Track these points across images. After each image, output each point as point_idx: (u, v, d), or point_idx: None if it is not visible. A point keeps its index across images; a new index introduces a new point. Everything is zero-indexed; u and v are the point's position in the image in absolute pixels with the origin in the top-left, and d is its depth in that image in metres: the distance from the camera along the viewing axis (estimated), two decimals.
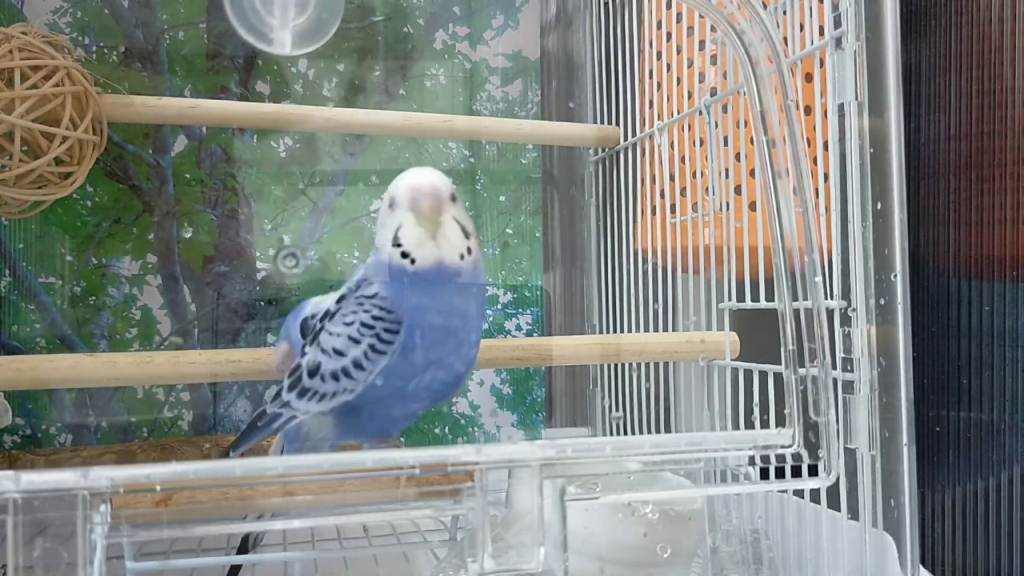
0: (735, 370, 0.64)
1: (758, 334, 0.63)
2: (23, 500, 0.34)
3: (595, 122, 0.89)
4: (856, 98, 0.49)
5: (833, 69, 0.51)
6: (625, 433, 0.83)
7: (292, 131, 0.85)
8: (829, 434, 0.47)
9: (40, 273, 0.80)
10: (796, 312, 0.48)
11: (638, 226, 0.80)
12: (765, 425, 0.58)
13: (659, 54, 0.76)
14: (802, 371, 0.47)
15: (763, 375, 0.61)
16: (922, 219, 0.82)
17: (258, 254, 0.85)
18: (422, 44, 0.90)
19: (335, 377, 0.51)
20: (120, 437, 0.81)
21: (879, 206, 0.48)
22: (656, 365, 0.77)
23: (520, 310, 0.92)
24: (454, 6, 0.91)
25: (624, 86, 0.83)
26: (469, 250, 0.49)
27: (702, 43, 0.70)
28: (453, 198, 0.49)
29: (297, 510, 0.47)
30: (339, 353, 0.50)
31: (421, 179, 0.49)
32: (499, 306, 0.92)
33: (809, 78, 0.62)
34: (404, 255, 0.48)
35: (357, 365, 0.50)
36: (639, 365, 0.80)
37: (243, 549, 0.58)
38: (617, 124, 0.84)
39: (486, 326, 0.92)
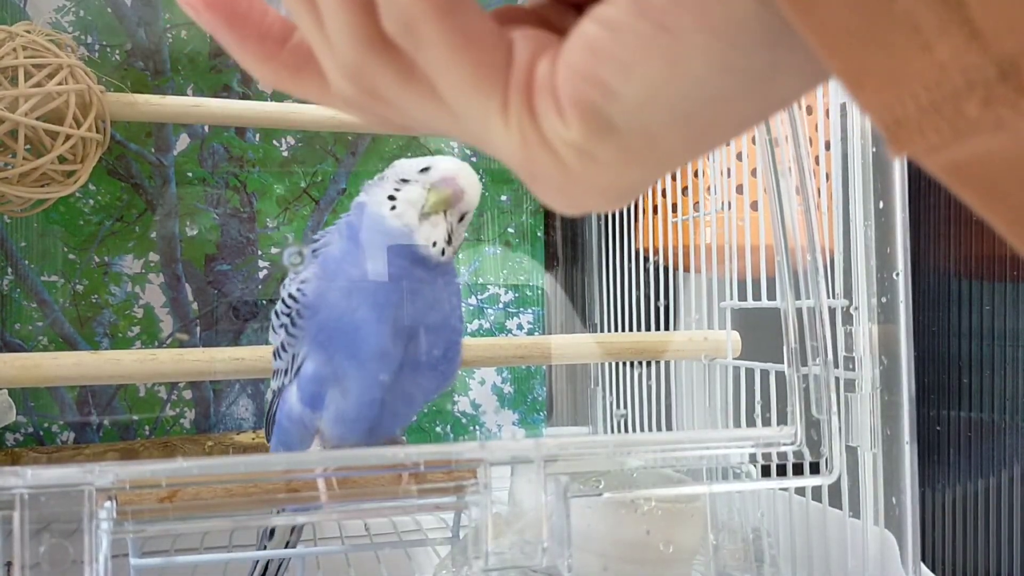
0: (736, 368, 0.65)
1: (760, 333, 0.63)
2: (30, 496, 0.35)
3: None
4: None
5: None
6: (627, 431, 0.84)
7: (294, 130, 0.85)
8: (831, 432, 0.48)
9: (42, 271, 0.80)
10: (798, 311, 0.48)
11: (640, 225, 0.80)
12: (767, 423, 0.58)
13: None
14: (804, 369, 0.48)
15: (764, 373, 0.61)
16: (923, 219, 0.82)
17: (260, 252, 0.85)
18: None
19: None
20: (122, 435, 0.81)
21: (881, 205, 0.49)
22: (657, 364, 0.77)
23: (521, 309, 0.92)
24: None
25: None
26: (443, 252, 0.49)
27: None
28: (462, 218, 0.50)
29: (300, 507, 0.47)
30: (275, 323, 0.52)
31: (463, 178, 0.49)
32: (500, 305, 0.92)
33: None
34: (391, 198, 0.49)
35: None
36: (640, 364, 0.80)
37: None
38: None
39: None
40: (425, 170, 0.49)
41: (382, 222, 0.48)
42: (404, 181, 0.49)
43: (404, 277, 0.49)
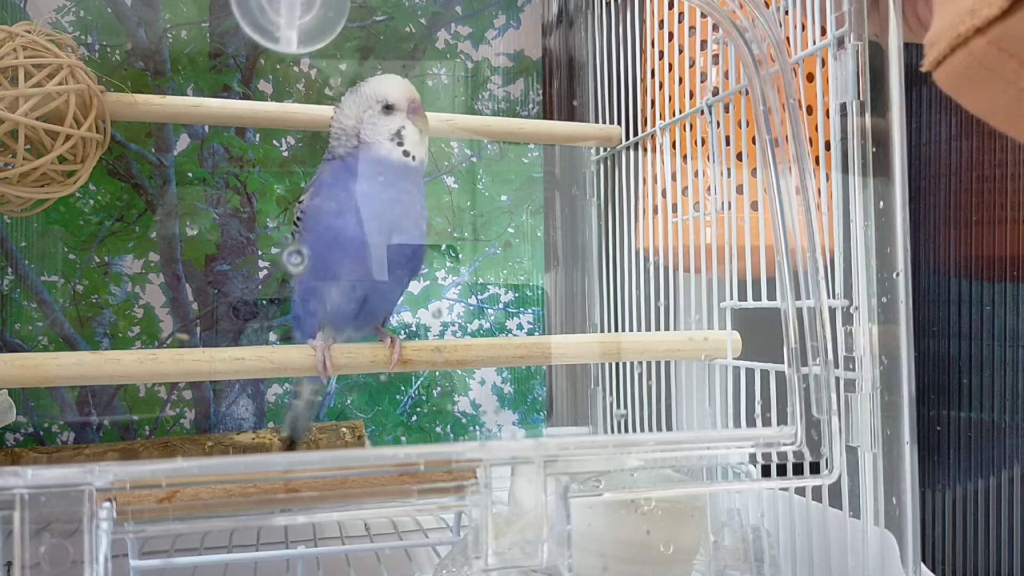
0: (736, 368, 0.65)
1: (760, 333, 0.63)
2: (30, 496, 0.35)
3: (597, 121, 0.89)
4: (858, 97, 0.49)
5: (835, 69, 0.51)
6: (627, 432, 0.83)
7: (294, 130, 0.85)
8: (831, 432, 0.48)
9: (43, 271, 0.80)
10: (798, 311, 0.48)
11: (640, 225, 0.80)
12: (767, 423, 0.58)
13: (661, 54, 0.76)
14: (804, 369, 0.48)
15: (764, 374, 0.61)
16: (923, 219, 0.82)
17: (260, 252, 0.85)
18: (424, 43, 0.90)
19: None
20: (122, 435, 0.81)
21: (881, 205, 0.48)
22: (658, 364, 0.77)
23: (521, 309, 0.92)
24: (456, 5, 0.91)
25: (626, 85, 0.83)
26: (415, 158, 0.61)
27: (704, 43, 0.70)
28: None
29: (300, 506, 0.47)
30: None
31: (413, 90, 0.61)
32: (500, 305, 0.92)
33: (811, 78, 0.62)
34: (406, 153, 0.60)
35: None
36: (641, 364, 0.80)
37: None
38: (619, 123, 0.84)
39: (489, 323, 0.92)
40: (387, 109, 0.60)
41: (405, 167, 0.60)
42: (384, 112, 0.60)
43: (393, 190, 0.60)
